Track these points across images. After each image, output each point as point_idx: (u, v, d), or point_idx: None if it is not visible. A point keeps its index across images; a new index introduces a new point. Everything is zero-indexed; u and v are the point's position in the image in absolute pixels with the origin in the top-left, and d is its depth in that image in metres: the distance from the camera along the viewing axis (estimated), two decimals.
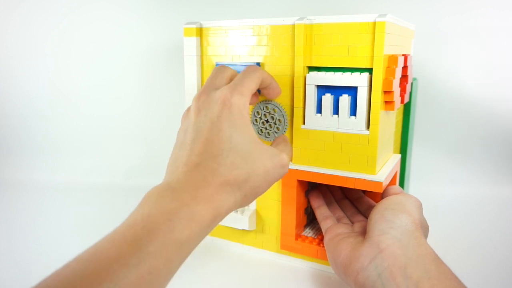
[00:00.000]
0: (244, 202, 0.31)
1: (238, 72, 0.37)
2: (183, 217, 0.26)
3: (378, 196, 0.45)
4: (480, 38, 0.67)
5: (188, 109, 0.35)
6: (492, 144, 0.70)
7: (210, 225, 0.28)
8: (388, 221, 0.34)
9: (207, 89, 0.34)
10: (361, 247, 0.34)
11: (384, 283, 0.30)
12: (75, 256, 0.23)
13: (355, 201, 0.46)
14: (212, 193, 0.28)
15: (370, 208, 0.43)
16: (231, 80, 0.36)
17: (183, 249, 0.26)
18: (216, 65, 0.45)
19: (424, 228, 0.36)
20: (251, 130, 0.32)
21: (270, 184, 0.33)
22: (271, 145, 0.37)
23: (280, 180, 0.44)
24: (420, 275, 0.29)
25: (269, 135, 0.44)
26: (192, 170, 0.29)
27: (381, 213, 0.35)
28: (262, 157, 0.32)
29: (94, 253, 0.23)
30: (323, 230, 0.41)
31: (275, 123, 0.43)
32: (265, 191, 0.33)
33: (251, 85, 0.34)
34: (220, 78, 0.35)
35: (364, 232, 0.37)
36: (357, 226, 0.40)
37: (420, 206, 0.37)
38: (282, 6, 0.70)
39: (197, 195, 0.27)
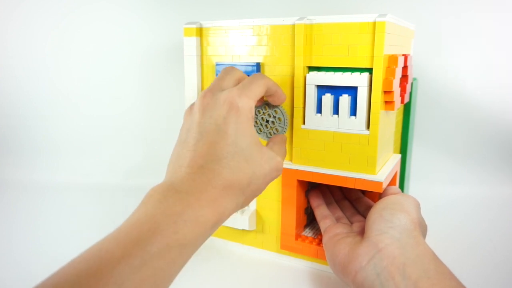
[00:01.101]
0: (244, 204, 0.32)
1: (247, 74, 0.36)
2: (187, 220, 0.26)
3: (377, 196, 0.45)
4: (480, 38, 0.67)
5: (192, 106, 0.34)
6: (492, 144, 0.70)
7: (213, 227, 0.28)
8: (387, 221, 0.34)
9: (213, 89, 0.33)
10: (359, 246, 0.34)
11: (383, 283, 0.30)
12: (80, 254, 0.23)
13: (355, 202, 0.46)
14: (216, 197, 0.28)
15: (369, 208, 0.43)
16: (238, 82, 0.35)
17: (186, 251, 0.26)
18: (216, 65, 0.45)
19: (422, 228, 0.35)
20: (254, 133, 0.32)
21: (267, 185, 0.34)
22: (266, 144, 0.37)
23: (280, 180, 0.44)
24: (419, 274, 0.29)
25: (270, 135, 0.44)
26: (196, 171, 0.29)
27: (379, 213, 0.35)
28: (262, 160, 0.32)
29: (98, 252, 0.23)
30: (322, 230, 0.41)
31: (274, 123, 0.43)
32: (262, 192, 0.34)
33: (258, 90, 0.33)
34: (228, 79, 0.35)
35: (362, 232, 0.36)
36: (356, 226, 0.40)
37: (418, 206, 0.37)
38: (282, 6, 0.70)
39: (201, 198, 0.28)
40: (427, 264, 0.30)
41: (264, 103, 0.43)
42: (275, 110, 0.42)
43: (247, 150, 0.31)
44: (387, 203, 0.36)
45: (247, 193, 0.31)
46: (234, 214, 0.46)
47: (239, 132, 0.31)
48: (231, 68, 0.36)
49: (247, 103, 0.32)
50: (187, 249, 0.26)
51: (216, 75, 0.46)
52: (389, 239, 0.32)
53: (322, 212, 0.44)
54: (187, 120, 0.33)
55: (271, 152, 0.34)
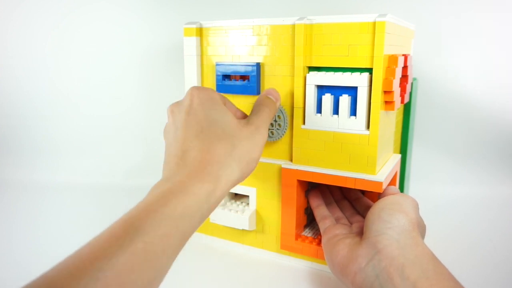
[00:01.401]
0: (243, 171, 0.32)
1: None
2: (176, 192, 0.27)
3: (377, 196, 0.45)
4: (480, 38, 0.67)
5: (166, 124, 0.36)
6: (492, 144, 0.70)
7: (209, 198, 0.28)
8: (385, 222, 0.34)
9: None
10: (358, 248, 0.34)
11: (382, 284, 0.30)
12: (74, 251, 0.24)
13: (354, 202, 0.46)
14: (204, 167, 0.29)
15: (369, 208, 0.43)
16: None
17: (181, 224, 0.26)
18: (216, 65, 0.45)
19: (421, 228, 0.35)
20: (223, 107, 0.34)
21: (258, 147, 0.34)
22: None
23: (280, 180, 0.44)
24: (418, 275, 0.29)
25: (272, 134, 0.44)
26: (181, 158, 0.30)
27: (377, 214, 0.35)
28: (239, 124, 0.33)
29: (89, 242, 0.23)
30: (321, 230, 0.41)
31: (275, 122, 0.43)
32: (258, 156, 0.34)
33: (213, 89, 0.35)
34: None
35: (361, 233, 0.36)
36: (355, 227, 0.40)
37: (416, 206, 0.37)
38: (282, 6, 0.70)
39: (190, 175, 0.28)
40: (425, 264, 0.30)
41: None
42: None
43: (220, 119, 0.32)
44: (385, 204, 0.36)
45: (238, 157, 0.31)
46: (234, 214, 0.46)
47: (206, 108, 0.33)
48: None
49: (208, 90, 0.34)
50: (181, 221, 0.26)
51: (216, 75, 0.46)
52: (387, 240, 0.32)
53: (321, 212, 0.44)
54: (168, 137, 0.34)
55: (243, 120, 0.35)
